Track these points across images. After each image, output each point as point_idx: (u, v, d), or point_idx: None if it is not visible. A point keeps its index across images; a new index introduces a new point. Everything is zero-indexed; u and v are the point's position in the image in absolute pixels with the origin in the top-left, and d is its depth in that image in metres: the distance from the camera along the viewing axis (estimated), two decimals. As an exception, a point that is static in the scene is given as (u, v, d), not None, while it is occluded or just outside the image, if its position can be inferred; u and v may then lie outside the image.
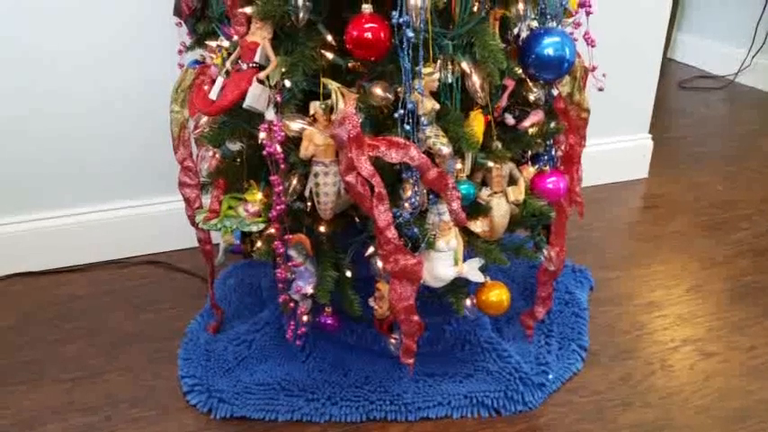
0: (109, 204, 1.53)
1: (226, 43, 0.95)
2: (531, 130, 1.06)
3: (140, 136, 1.48)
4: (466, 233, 1.04)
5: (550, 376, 1.16)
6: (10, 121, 1.39)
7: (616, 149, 1.90)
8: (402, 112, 0.87)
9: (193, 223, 1.09)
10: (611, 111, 1.72)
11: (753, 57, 2.82)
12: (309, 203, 1.01)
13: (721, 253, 1.59)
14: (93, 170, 1.49)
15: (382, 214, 0.86)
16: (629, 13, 1.70)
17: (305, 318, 1.06)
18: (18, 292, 1.46)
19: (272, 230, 1.00)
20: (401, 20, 0.80)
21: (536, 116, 1.05)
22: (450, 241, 0.98)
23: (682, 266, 1.54)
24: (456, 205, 0.91)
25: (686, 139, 2.30)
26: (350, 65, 0.91)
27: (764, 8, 2.75)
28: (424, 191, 0.95)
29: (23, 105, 1.38)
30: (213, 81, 0.98)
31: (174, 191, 1.14)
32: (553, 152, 1.14)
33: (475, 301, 1.08)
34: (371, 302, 1.04)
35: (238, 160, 1.05)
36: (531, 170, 1.11)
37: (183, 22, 1.09)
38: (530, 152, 1.14)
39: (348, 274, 1.04)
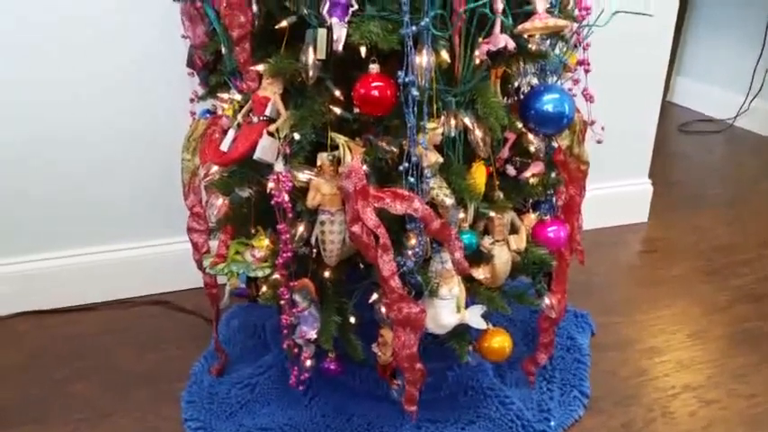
0: (116, 245, 1.56)
1: (238, 96, 0.99)
2: (531, 181, 1.09)
3: (149, 179, 1.51)
4: (468, 280, 1.06)
5: (552, 423, 1.17)
6: (18, 163, 1.43)
7: (616, 193, 1.92)
8: (407, 165, 0.90)
9: (201, 267, 1.12)
10: (612, 155, 1.75)
11: (750, 101, 2.87)
12: (315, 250, 1.03)
13: (721, 298, 1.61)
14: (102, 211, 1.52)
15: (386, 264, 0.89)
16: (629, 57, 1.73)
17: (308, 363, 1.08)
18: (26, 331, 1.48)
19: (277, 276, 1.02)
20: (407, 79, 0.84)
21: (536, 167, 1.08)
22: (453, 288, 1.00)
23: (682, 311, 1.55)
24: (459, 255, 0.94)
25: (686, 183, 2.33)
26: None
27: (761, 54, 2.81)
28: (428, 240, 0.97)
29: (32, 147, 1.42)
30: (224, 131, 1.02)
31: (181, 232, 1.17)
32: (554, 201, 1.16)
33: (477, 347, 1.09)
34: (375, 348, 1.05)
35: (245, 209, 1.08)
36: (532, 217, 1.14)
37: (195, 73, 1.13)
38: (531, 200, 1.17)
39: (352, 320, 1.06)
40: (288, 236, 0.96)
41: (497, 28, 0.87)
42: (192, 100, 1.18)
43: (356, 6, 0.83)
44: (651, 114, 1.88)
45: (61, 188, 1.47)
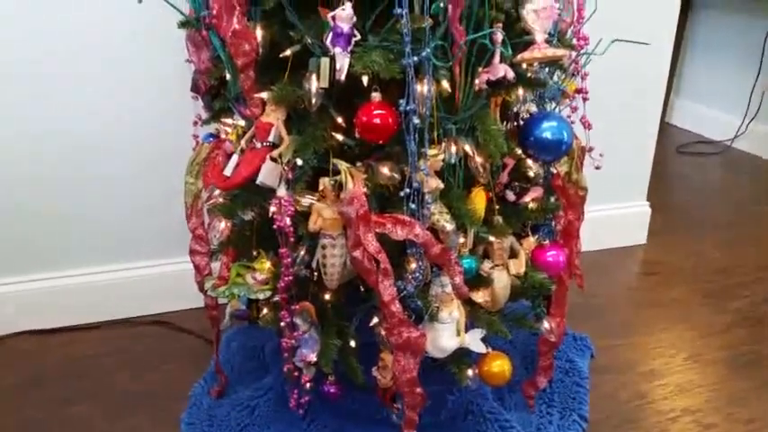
0: (117, 264, 1.57)
1: (241, 122, 1.00)
2: (530, 206, 1.10)
3: (150, 199, 1.53)
4: (468, 304, 1.06)
5: (551, 447, 1.17)
6: (20, 183, 1.44)
7: (615, 216, 1.94)
8: (408, 190, 0.91)
9: (202, 290, 1.12)
10: (610, 177, 1.76)
11: (747, 123, 2.89)
12: (316, 273, 1.04)
13: (720, 321, 1.61)
14: (103, 231, 1.53)
15: (387, 289, 0.90)
16: (628, 79, 1.75)
17: (308, 385, 1.08)
18: (27, 351, 1.48)
19: (278, 298, 1.03)
20: (408, 107, 0.85)
21: (535, 192, 1.10)
22: (453, 312, 1.01)
23: (681, 335, 1.56)
24: (459, 280, 0.95)
25: (684, 205, 2.35)
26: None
27: (757, 77, 2.84)
28: (428, 264, 0.98)
29: (34, 168, 1.44)
30: (227, 155, 1.03)
31: (181, 252, 1.18)
32: (552, 225, 1.18)
33: (477, 371, 1.10)
34: (375, 372, 1.06)
35: (247, 231, 1.09)
36: (531, 241, 1.15)
37: (200, 97, 1.14)
38: (530, 224, 1.18)
39: (352, 343, 1.07)
40: (289, 260, 0.97)
41: (497, 58, 0.89)
42: (195, 123, 1.20)
43: (359, 36, 0.85)
44: (649, 138, 1.90)
45: (63, 208, 1.49)
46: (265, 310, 1.09)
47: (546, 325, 1.15)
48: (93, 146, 1.45)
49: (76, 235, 1.52)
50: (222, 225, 1.10)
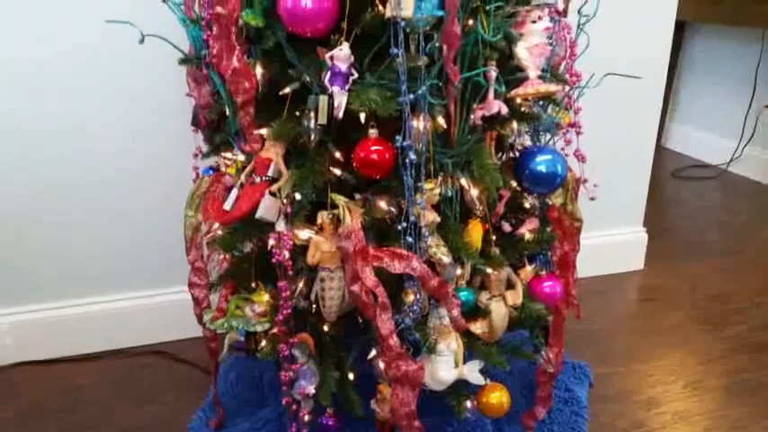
0: (114, 294, 1.57)
1: (241, 156, 1.02)
2: (527, 236, 1.11)
3: (148, 230, 1.53)
4: (466, 335, 1.07)
5: (551, 478, 1.16)
6: (19, 215, 1.45)
7: (612, 242, 1.95)
8: (405, 224, 0.92)
9: (201, 322, 1.13)
10: (607, 203, 1.77)
11: (743, 147, 2.92)
12: (314, 305, 1.05)
13: (718, 348, 1.61)
14: (100, 262, 1.54)
15: (385, 323, 0.90)
16: (623, 104, 1.77)
17: (307, 418, 1.08)
18: (24, 382, 1.48)
19: (276, 330, 1.03)
20: (404, 143, 0.87)
21: (531, 223, 1.11)
22: (451, 344, 1.01)
23: (679, 362, 1.56)
24: (456, 312, 0.95)
25: (681, 230, 2.36)
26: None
27: (751, 101, 2.87)
28: (425, 296, 0.99)
29: (32, 199, 1.45)
30: (227, 189, 1.04)
31: (178, 282, 1.18)
32: (549, 255, 1.18)
33: (475, 403, 1.10)
34: (373, 405, 1.06)
35: (246, 264, 1.09)
36: (528, 270, 1.16)
37: (200, 131, 1.16)
38: (526, 253, 1.19)
39: (351, 376, 1.07)
40: (287, 293, 0.98)
41: (491, 94, 0.91)
42: (195, 155, 1.21)
43: (356, 75, 0.87)
44: (645, 162, 1.91)
45: (61, 239, 1.49)
46: (264, 343, 1.09)
47: (544, 356, 1.15)
48: (92, 176, 1.46)
49: (74, 265, 1.52)
50: (221, 258, 1.11)
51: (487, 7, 0.86)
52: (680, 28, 3.04)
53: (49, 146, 1.42)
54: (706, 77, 3.15)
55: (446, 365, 1.01)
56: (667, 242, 2.21)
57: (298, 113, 0.95)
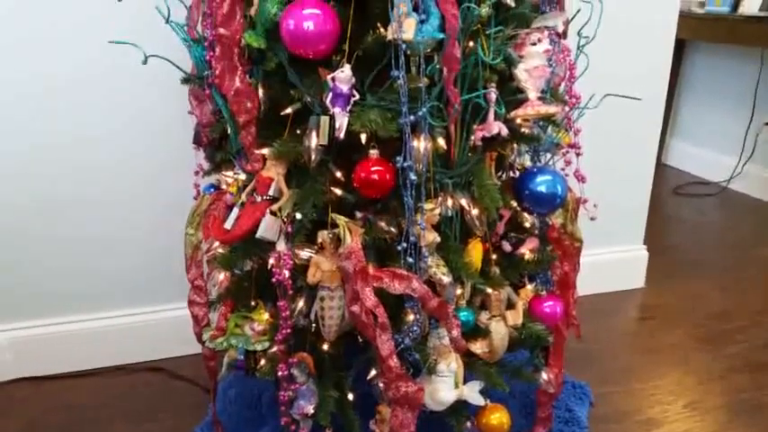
0: (114, 311, 1.57)
1: (242, 175, 1.02)
2: (527, 256, 1.11)
3: (148, 247, 1.54)
4: (466, 355, 1.07)
5: (551, 500, 1.15)
6: (19, 230, 1.46)
7: (612, 260, 1.95)
8: (405, 244, 0.92)
9: (200, 340, 1.13)
10: (607, 222, 1.76)
11: (743, 165, 2.93)
12: (314, 324, 1.05)
13: (718, 367, 1.61)
14: (100, 278, 1.54)
15: (385, 343, 0.90)
16: (623, 121, 1.77)
17: (306, 438, 1.08)
18: (23, 398, 1.48)
19: (275, 349, 1.03)
20: (405, 164, 0.87)
21: (531, 243, 1.11)
22: (451, 364, 1.01)
23: (679, 381, 1.55)
24: (456, 333, 0.95)
25: (681, 248, 2.36)
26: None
27: (751, 118, 2.89)
28: (426, 316, 0.99)
29: (32, 214, 1.45)
30: (228, 207, 1.05)
31: (177, 299, 1.18)
32: (549, 274, 1.18)
33: (476, 423, 1.09)
34: (372, 426, 1.05)
35: (246, 282, 1.10)
36: (528, 289, 1.16)
37: (202, 149, 1.16)
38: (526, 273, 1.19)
39: (350, 396, 1.07)
40: (287, 312, 0.98)
41: (491, 116, 0.92)
42: (196, 173, 1.21)
43: (357, 96, 0.87)
44: (645, 181, 1.91)
45: (60, 255, 1.50)
46: (263, 362, 1.09)
47: (544, 376, 1.15)
48: (93, 192, 1.47)
49: (74, 281, 1.52)
50: (221, 276, 1.11)
51: (488, 31, 0.86)
52: (680, 46, 3.06)
53: (51, 162, 1.42)
54: (706, 95, 3.17)
55: (446, 386, 1.01)
56: (668, 260, 2.21)
57: (299, 131, 0.95)
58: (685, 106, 3.28)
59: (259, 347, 1.07)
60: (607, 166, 1.79)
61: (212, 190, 1.14)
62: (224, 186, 1.11)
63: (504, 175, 1.15)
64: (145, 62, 0.95)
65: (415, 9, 0.84)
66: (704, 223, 2.61)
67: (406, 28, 0.83)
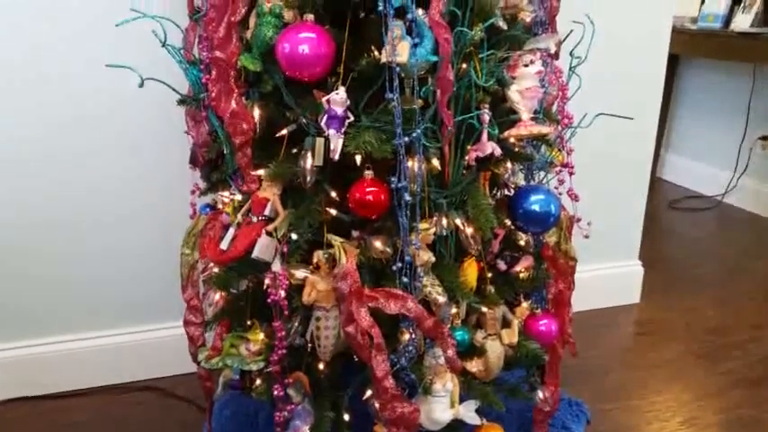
0: (109, 330, 1.57)
1: (238, 196, 1.03)
2: (521, 275, 1.12)
3: (143, 266, 1.53)
4: (462, 373, 1.07)
5: None
6: (15, 250, 1.45)
7: (608, 275, 1.95)
8: (400, 264, 0.93)
9: (196, 360, 1.12)
10: (602, 237, 1.77)
11: (738, 179, 2.94)
12: (310, 344, 1.05)
13: (714, 383, 1.61)
14: (95, 296, 1.53)
15: (380, 364, 0.90)
16: (618, 135, 1.78)
17: (302, 458, 1.07)
18: (17, 418, 1.46)
19: (271, 369, 1.03)
20: (399, 185, 0.88)
21: (526, 261, 1.12)
22: (447, 384, 1.01)
23: (676, 397, 1.55)
24: (451, 353, 0.95)
25: (677, 262, 2.36)
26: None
27: (745, 133, 2.91)
28: (421, 336, 0.99)
29: (29, 234, 1.45)
30: (224, 227, 1.05)
31: (173, 318, 1.17)
32: (544, 293, 1.19)
33: (471, 443, 1.09)
34: (369, 446, 1.05)
35: (242, 302, 1.10)
36: (524, 307, 1.16)
37: (198, 169, 1.17)
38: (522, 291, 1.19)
39: (346, 416, 1.06)
40: (283, 333, 0.98)
41: (484, 136, 0.92)
42: (193, 192, 1.22)
43: (352, 118, 0.88)
44: (640, 197, 1.92)
45: (56, 274, 1.49)
46: (258, 381, 1.09)
47: (540, 394, 1.15)
48: (89, 211, 1.46)
49: (68, 300, 1.52)
50: (217, 296, 1.11)
51: (480, 56, 0.87)
52: (673, 61, 3.09)
53: (47, 181, 1.42)
54: (700, 109, 3.19)
55: (442, 406, 1.01)
56: (663, 275, 2.21)
57: (294, 150, 0.96)
58: (680, 120, 3.31)
59: (254, 367, 1.07)
60: (602, 182, 1.80)
61: (208, 210, 1.14)
62: (220, 206, 1.11)
63: (498, 193, 1.16)
64: (141, 85, 0.96)
65: (409, 32, 0.85)
66: (699, 237, 2.62)
67: (400, 51, 0.84)
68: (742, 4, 2.62)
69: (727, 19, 2.68)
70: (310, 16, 0.86)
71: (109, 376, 1.58)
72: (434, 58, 0.86)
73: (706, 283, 2.18)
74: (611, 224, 1.86)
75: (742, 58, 2.68)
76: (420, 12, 0.86)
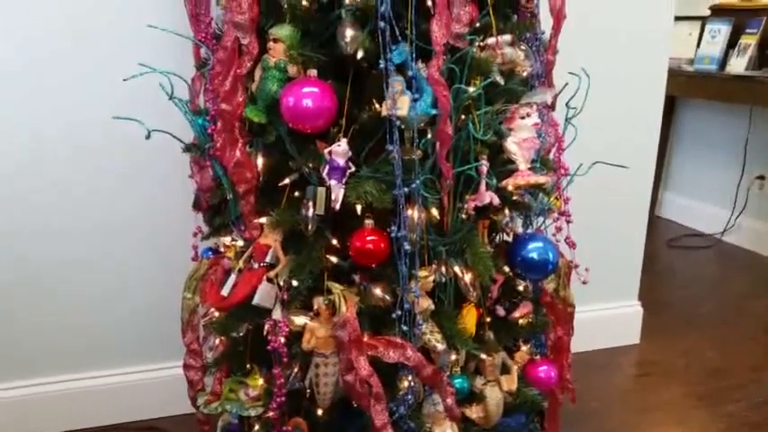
0: (110, 369, 1.56)
1: (240, 242, 1.04)
2: (520, 321, 1.13)
3: (143, 307, 1.54)
4: (461, 420, 1.07)
5: None
6: (14, 289, 1.46)
7: (607, 316, 1.95)
8: (399, 312, 0.94)
9: (195, 405, 1.13)
10: (601, 278, 1.76)
11: (736, 218, 2.96)
12: (309, 390, 1.05)
13: (716, 426, 1.60)
14: (96, 336, 1.53)
15: (380, 414, 0.91)
16: (616, 174, 1.79)
17: (300, 505, 1.07)
18: (15, 460, 1.46)
19: (270, 414, 1.03)
20: (399, 234, 0.90)
21: (525, 308, 1.12)
22: (446, 431, 1.01)
23: (677, 441, 1.54)
24: (450, 401, 0.96)
25: (677, 302, 2.36)
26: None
27: (742, 172, 2.93)
28: (421, 383, 1.00)
29: (28, 275, 1.46)
30: (225, 272, 1.06)
31: (172, 358, 1.17)
32: (542, 338, 1.20)
33: (471, 490, 1.09)
34: (367, 493, 1.05)
35: (241, 347, 1.10)
36: (524, 351, 1.17)
37: (201, 213, 1.19)
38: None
39: (345, 464, 1.06)
40: (282, 380, 0.98)
41: (483, 186, 0.94)
42: (195, 234, 1.23)
43: (353, 168, 0.90)
44: (638, 238, 1.94)
45: (58, 314, 1.50)
46: (257, 427, 1.09)
47: (539, 441, 1.15)
48: (91, 251, 1.48)
49: (70, 340, 1.52)
50: (217, 341, 1.12)
51: (478, 113, 0.90)
52: (671, 102, 3.14)
53: (49, 219, 1.44)
54: (698, 149, 3.23)
55: (441, 453, 1.01)
56: (663, 315, 2.21)
57: (296, 194, 0.98)
58: (678, 160, 3.34)
59: (253, 413, 1.07)
60: (600, 222, 1.81)
61: (210, 254, 1.16)
62: (222, 250, 1.13)
63: (497, 237, 1.17)
64: (148, 137, 0.98)
65: (409, 87, 0.88)
66: (698, 276, 2.63)
67: (400, 105, 0.86)
68: (737, 48, 2.67)
69: (723, 62, 2.73)
70: (314, 71, 0.89)
71: (109, 416, 1.57)
72: (434, 112, 0.88)
73: (705, 323, 2.17)
74: (610, 265, 1.87)
75: (738, 100, 2.73)
76: (420, 65, 0.89)
